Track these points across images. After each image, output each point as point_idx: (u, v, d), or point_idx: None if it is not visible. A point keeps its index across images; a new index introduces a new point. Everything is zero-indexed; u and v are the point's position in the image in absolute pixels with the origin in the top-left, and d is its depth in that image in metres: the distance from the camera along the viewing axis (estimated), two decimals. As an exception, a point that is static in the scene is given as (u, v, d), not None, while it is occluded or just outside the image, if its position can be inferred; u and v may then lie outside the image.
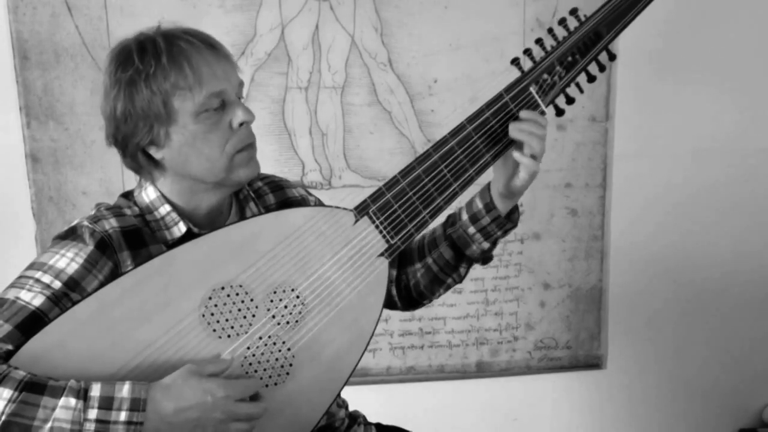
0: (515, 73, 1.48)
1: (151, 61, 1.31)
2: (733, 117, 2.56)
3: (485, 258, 1.59)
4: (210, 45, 1.36)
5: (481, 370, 2.64)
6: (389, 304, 1.69)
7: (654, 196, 2.59)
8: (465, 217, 1.53)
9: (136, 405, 1.16)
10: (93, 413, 1.14)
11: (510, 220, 1.53)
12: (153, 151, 1.37)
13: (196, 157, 1.36)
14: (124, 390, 1.16)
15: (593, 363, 2.68)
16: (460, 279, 1.62)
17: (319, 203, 1.67)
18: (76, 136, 2.32)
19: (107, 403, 1.15)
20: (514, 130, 1.42)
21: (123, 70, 1.32)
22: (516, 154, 1.43)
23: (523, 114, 1.43)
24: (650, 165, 2.56)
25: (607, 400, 2.74)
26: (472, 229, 1.53)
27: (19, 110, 2.29)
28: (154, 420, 1.17)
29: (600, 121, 2.49)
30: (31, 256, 2.26)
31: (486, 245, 1.54)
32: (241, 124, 1.37)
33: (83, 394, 1.15)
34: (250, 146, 1.40)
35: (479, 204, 1.52)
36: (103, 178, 2.35)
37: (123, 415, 1.15)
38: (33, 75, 2.28)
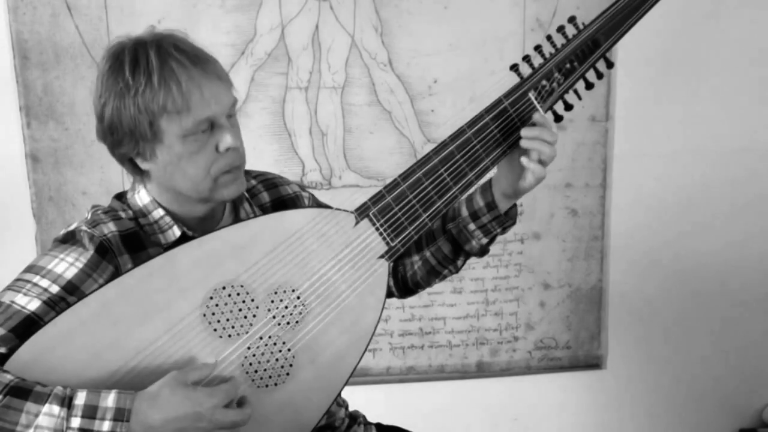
0: (514, 75, 1.48)
1: (141, 79, 1.28)
2: (734, 117, 2.56)
3: (483, 252, 1.59)
4: (203, 65, 1.32)
5: (481, 370, 2.64)
6: (387, 293, 1.70)
7: (654, 196, 2.59)
8: (465, 213, 1.54)
9: (120, 415, 1.15)
10: (76, 422, 1.14)
11: (509, 217, 1.53)
12: (139, 162, 1.36)
13: (181, 175, 1.35)
14: (109, 399, 1.16)
15: (593, 363, 2.69)
16: (457, 270, 1.64)
17: (313, 199, 1.68)
18: (76, 136, 2.32)
19: (91, 412, 1.14)
20: (525, 140, 1.42)
21: (114, 80, 1.30)
22: (524, 160, 1.43)
23: (537, 117, 1.44)
24: (650, 165, 2.56)
25: (607, 400, 2.75)
26: (472, 226, 1.53)
27: (19, 110, 2.29)
28: (139, 430, 1.16)
29: (600, 121, 2.49)
30: (31, 256, 2.26)
31: (485, 240, 1.55)
32: (227, 149, 1.35)
33: (68, 402, 1.15)
34: (236, 168, 1.39)
35: (480, 202, 1.52)
36: (103, 178, 2.35)
37: (106, 425, 1.14)
38: (33, 75, 2.28)
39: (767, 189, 2.63)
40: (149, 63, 1.29)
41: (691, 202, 2.61)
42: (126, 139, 1.32)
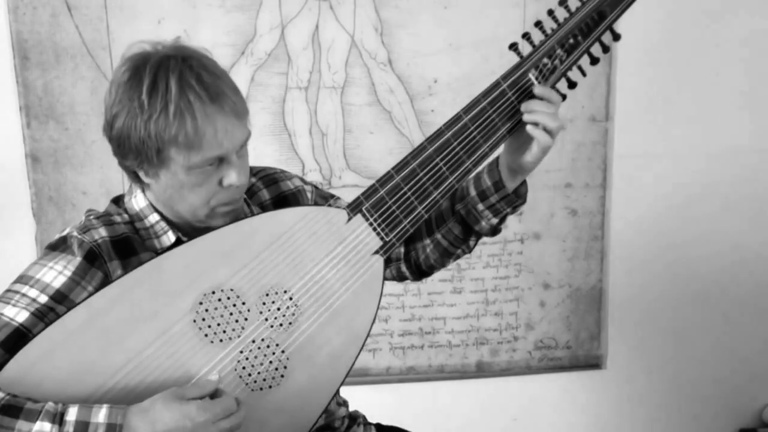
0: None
1: (157, 105, 1.25)
2: (733, 117, 2.55)
3: (494, 231, 1.55)
4: (221, 101, 1.29)
5: (481, 370, 2.64)
6: (400, 278, 1.68)
7: (654, 196, 2.59)
8: (473, 193, 1.49)
9: (112, 430, 1.15)
10: None
11: (518, 195, 1.49)
12: (141, 175, 1.35)
13: (179, 200, 1.35)
14: (101, 415, 1.16)
15: (593, 363, 2.68)
16: (470, 250, 1.60)
17: (316, 191, 1.65)
18: (76, 136, 2.32)
19: (83, 428, 1.15)
20: (526, 115, 1.38)
21: (129, 96, 1.27)
22: (530, 128, 1.38)
23: (536, 91, 1.39)
24: (650, 165, 2.56)
25: (607, 400, 2.74)
26: (480, 206, 1.49)
27: (19, 110, 2.29)
28: None
29: (600, 121, 2.48)
30: (31, 256, 2.28)
31: (495, 221, 1.50)
32: (230, 186, 1.34)
33: (59, 418, 1.15)
34: (235, 201, 1.38)
35: (488, 181, 1.47)
36: (103, 178, 2.35)
37: None
38: (33, 75, 2.28)
39: (767, 189, 2.62)
40: (168, 89, 1.25)
41: (691, 202, 2.60)
42: (131, 156, 1.31)
